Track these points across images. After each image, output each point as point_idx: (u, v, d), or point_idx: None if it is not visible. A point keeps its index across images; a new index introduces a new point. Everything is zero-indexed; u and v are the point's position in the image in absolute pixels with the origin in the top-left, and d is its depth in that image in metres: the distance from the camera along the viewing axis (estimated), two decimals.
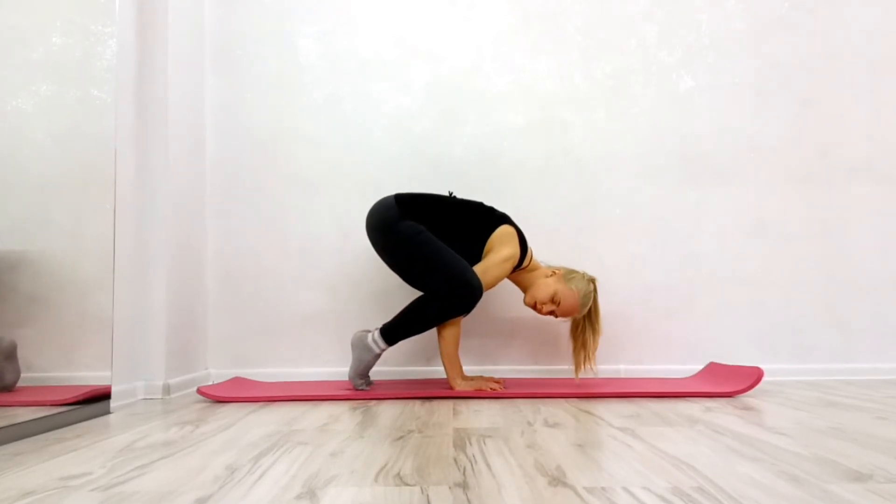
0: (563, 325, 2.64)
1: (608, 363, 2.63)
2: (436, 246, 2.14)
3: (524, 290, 2.34)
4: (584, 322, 2.28)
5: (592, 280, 2.28)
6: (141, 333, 2.21)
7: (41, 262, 1.66)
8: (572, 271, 2.28)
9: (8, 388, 1.54)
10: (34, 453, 1.32)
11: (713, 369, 2.42)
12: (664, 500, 0.93)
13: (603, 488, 1.00)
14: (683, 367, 2.61)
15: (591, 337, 2.27)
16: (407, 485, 1.04)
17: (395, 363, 2.62)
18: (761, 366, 2.49)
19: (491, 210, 2.29)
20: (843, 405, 1.85)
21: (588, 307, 2.24)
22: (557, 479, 1.06)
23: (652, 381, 2.42)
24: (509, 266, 2.19)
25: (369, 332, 2.18)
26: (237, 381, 2.37)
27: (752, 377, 2.10)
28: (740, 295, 2.65)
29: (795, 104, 2.70)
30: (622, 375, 2.61)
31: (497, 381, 2.20)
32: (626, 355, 2.63)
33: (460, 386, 2.14)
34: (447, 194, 2.34)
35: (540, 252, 2.64)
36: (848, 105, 2.69)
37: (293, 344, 2.63)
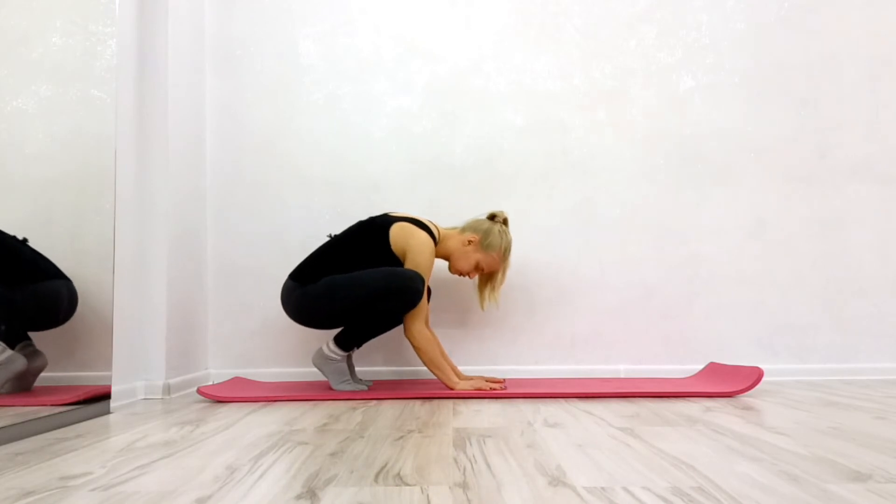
0: (564, 326, 2.64)
1: (608, 363, 2.63)
2: (351, 277, 2.12)
3: (446, 259, 2.35)
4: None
5: (504, 224, 2.30)
6: (141, 333, 2.21)
7: None
8: (487, 231, 2.26)
9: (6, 393, 1.54)
10: (34, 453, 1.32)
11: (713, 369, 2.42)
12: (664, 500, 0.93)
13: (603, 488, 1.00)
14: (683, 367, 2.61)
15: (501, 273, 2.32)
16: (407, 485, 1.04)
17: (395, 363, 2.63)
18: (761, 366, 2.50)
19: (370, 221, 2.25)
20: (843, 405, 1.85)
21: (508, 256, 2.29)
22: (557, 479, 1.06)
23: (652, 381, 2.42)
24: (431, 249, 2.18)
25: (322, 345, 2.21)
26: (237, 381, 2.37)
27: (752, 377, 2.10)
28: (740, 295, 2.65)
29: (795, 104, 2.70)
30: (622, 375, 2.61)
31: (497, 381, 2.20)
32: (625, 355, 2.64)
33: (460, 385, 2.14)
34: (328, 238, 2.30)
35: (541, 252, 2.65)
36: (848, 105, 2.69)
37: (293, 344, 2.63)
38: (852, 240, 2.66)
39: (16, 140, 1.58)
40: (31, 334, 1.61)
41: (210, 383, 2.50)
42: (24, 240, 1.58)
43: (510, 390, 2.13)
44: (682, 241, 2.67)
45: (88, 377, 1.83)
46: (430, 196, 2.65)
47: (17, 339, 1.56)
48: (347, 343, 2.17)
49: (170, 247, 2.28)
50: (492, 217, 2.32)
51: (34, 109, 1.64)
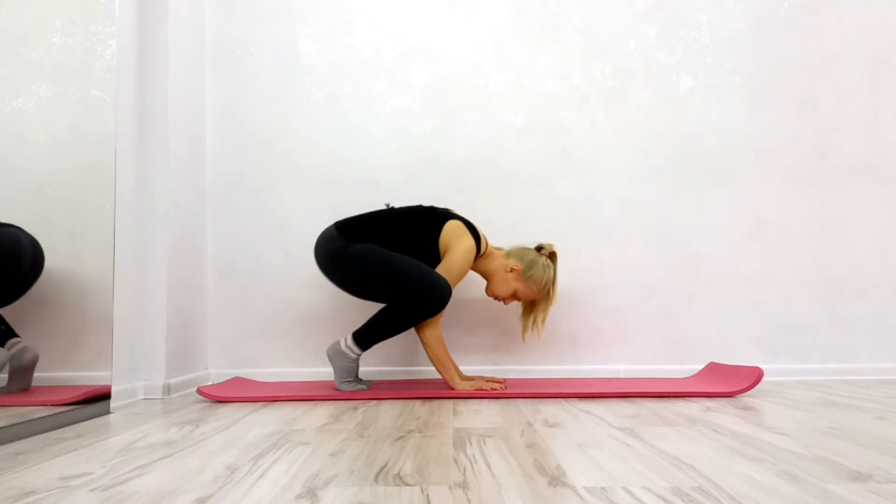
0: (564, 326, 2.65)
1: (608, 363, 2.63)
2: (391, 259, 2.13)
3: (485, 277, 2.34)
4: (545, 295, 2.30)
5: (550, 258, 2.29)
6: (141, 333, 2.21)
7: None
8: (531, 263, 2.25)
9: (6, 392, 1.54)
10: (34, 453, 1.32)
11: (713, 369, 2.42)
12: (664, 500, 0.93)
13: (603, 488, 1.00)
14: (683, 367, 2.61)
15: (545, 304, 2.30)
16: (407, 485, 1.04)
17: (395, 363, 2.63)
18: (761, 366, 2.50)
19: (432, 209, 2.27)
20: (843, 405, 1.85)
21: (548, 290, 2.27)
22: (557, 479, 1.06)
23: (652, 381, 2.42)
24: (471, 258, 2.18)
25: (341, 339, 2.20)
26: (237, 381, 2.37)
27: (752, 377, 2.10)
28: (740, 295, 2.65)
29: (795, 104, 2.70)
30: (622, 375, 2.61)
31: (498, 381, 2.20)
32: (625, 355, 2.64)
33: (460, 386, 2.14)
34: (385, 206, 2.32)
35: None
36: (848, 105, 2.70)
37: (293, 344, 2.63)
38: (852, 240, 2.66)
39: (16, 140, 1.57)
40: (27, 335, 1.61)
41: (210, 383, 2.50)
42: None
43: (510, 390, 2.13)
44: (682, 241, 2.67)
45: (88, 377, 1.83)
46: (430, 196, 2.64)
47: (5, 338, 1.54)
48: (366, 341, 2.16)
49: (170, 247, 2.28)
50: (539, 248, 2.31)
51: (34, 109, 1.64)
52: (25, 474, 1.14)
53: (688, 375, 2.58)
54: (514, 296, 2.29)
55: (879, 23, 2.71)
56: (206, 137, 2.67)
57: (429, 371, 2.61)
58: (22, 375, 1.59)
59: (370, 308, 2.63)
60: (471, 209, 2.59)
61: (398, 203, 2.62)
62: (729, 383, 2.16)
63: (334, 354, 2.20)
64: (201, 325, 2.57)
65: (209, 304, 2.64)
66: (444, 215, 2.24)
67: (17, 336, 1.57)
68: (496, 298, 2.33)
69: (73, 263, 1.77)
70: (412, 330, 2.33)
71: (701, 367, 2.58)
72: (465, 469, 1.14)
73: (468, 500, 0.96)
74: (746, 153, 2.69)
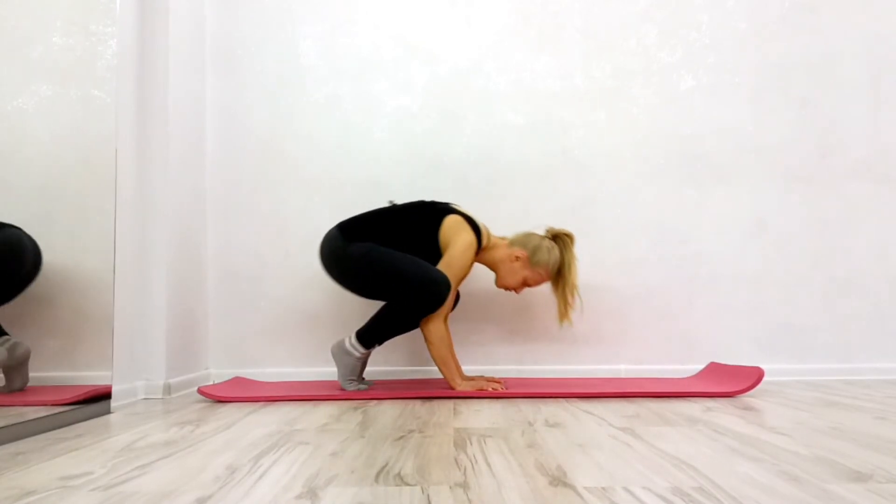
0: (564, 326, 2.64)
1: (608, 363, 2.63)
2: (390, 256, 2.13)
3: (492, 269, 2.34)
4: (559, 279, 2.28)
5: (555, 240, 2.27)
6: (141, 333, 2.21)
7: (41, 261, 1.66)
8: (535, 248, 2.24)
9: (12, 392, 1.54)
10: (35, 453, 1.32)
11: (713, 369, 2.42)
12: (664, 500, 0.93)
13: (603, 488, 1.00)
14: (683, 367, 2.61)
15: (562, 288, 2.27)
16: (407, 485, 1.04)
17: (395, 363, 2.63)
18: (761, 366, 2.50)
19: (432, 204, 2.27)
20: (843, 405, 1.85)
21: (558, 270, 2.25)
22: (557, 479, 1.06)
23: (652, 381, 2.42)
24: (471, 253, 2.18)
25: (345, 338, 2.20)
26: (237, 381, 2.37)
27: (752, 377, 2.10)
28: (740, 295, 2.65)
29: (795, 104, 2.70)
30: (622, 375, 2.61)
31: (498, 381, 2.20)
32: (626, 355, 2.64)
33: (461, 386, 2.14)
34: (388, 203, 2.32)
35: None
36: (848, 105, 2.69)
37: (293, 344, 2.63)
38: (852, 240, 2.66)
39: (16, 140, 1.57)
40: (27, 334, 1.61)
41: (210, 383, 2.50)
42: None
43: (510, 390, 2.13)
44: (683, 241, 2.67)
45: (88, 377, 1.83)
46: (430, 195, 2.64)
47: None
48: (369, 340, 2.16)
49: (170, 247, 2.28)
50: (550, 234, 2.30)
51: (34, 109, 1.64)
52: (25, 474, 1.14)
53: (688, 375, 2.58)
54: (525, 283, 2.28)
55: (879, 23, 2.71)
56: (206, 137, 2.67)
57: (429, 371, 2.61)
58: (19, 371, 1.58)
59: (370, 307, 2.63)
60: (471, 209, 2.59)
61: (403, 200, 2.62)
62: (729, 383, 2.16)
63: (338, 352, 2.20)
64: (201, 325, 2.57)
65: (209, 303, 2.64)
66: (443, 210, 2.23)
67: (6, 334, 1.57)
68: (507, 289, 2.32)
69: (74, 263, 1.77)
70: (414, 329, 2.32)
71: (701, 367, 2.58)
72: (465, 469, 1.14)
73: (468, 500, 0.96)
74: (747, 153, 2.69)
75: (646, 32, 2.72)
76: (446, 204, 2.29)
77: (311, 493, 1.00)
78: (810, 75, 2.70)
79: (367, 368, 2.59)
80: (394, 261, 2.12)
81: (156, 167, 2.26)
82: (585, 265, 2.66)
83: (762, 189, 2.68)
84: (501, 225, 2.64)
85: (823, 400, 1.97)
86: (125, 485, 1.06)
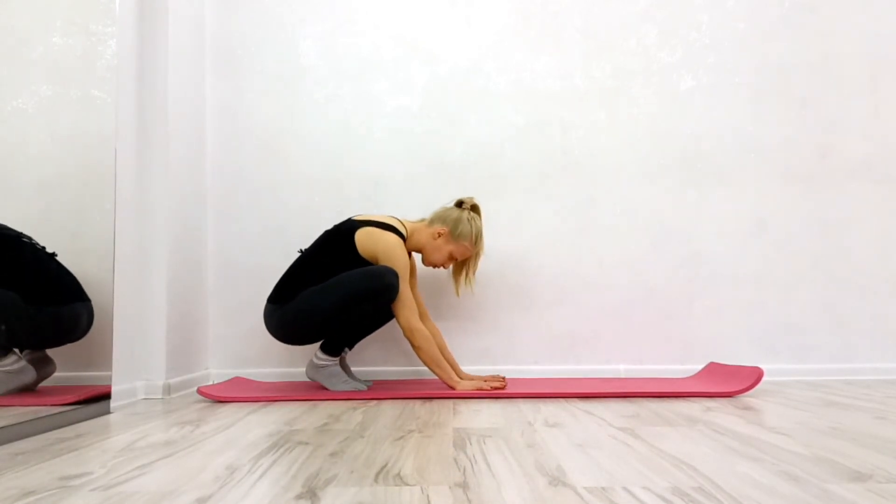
0: (564, 326, 2.64)
1: (608, 363, 2.63)
2: (325, 286, 2.11)
3: (419, 252, 2.34)
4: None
5: (472, 211, 2.29)
6: (141, 333, 2.21)
7: None
8: (456, 221, 2.24)
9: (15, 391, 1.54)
10: (34, 453, 1.32)
11: (713, 369, 2.42)
12: (664, 500, 0.93)
13: (603, 488, 1.00)
14: (683, 367, 2.61)
15: (474, 258, 2.31)
16: (407, 485, 1.04)
17: (395, 363, 2.63)
18: (761, 366, 2.50)
19: (336, 230, 2.24)
20: (843, 405, 1.85)
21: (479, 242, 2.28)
22: (557, 479, 1.06)
23: (652, 381, 2.42)
24: (401, 247, 2.18)
25: (312, 356, 2.21)
26: (237, 381, 2.37)
27: (752, 377, 2.10)
28: (740, 295, 2.65)
29: (795, 104, 2.70)
30: (622, 375, 2.61)
31: (499, 380, 2.20)
32: (626, 355, 2.63)
33: (460, 385, 2.14)
34: (298, 253, 2.32)
35: (541, 252, 2.65)
36: (848, 105, 2.69)
37: None
38: (852, 240, 2.66)
39: (16, 140, 1.57)
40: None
41: (210, 383, 2.50)
42: (54, 254, 1.59)
43: (510, 390, 2.13)
44: (683, 241, 2.67)
45: (88, 377, 1.83)
46: (430, 195, 2.64)
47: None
48: (334, 348, 2.18)
49: (170, 247, 2.28)
50: (458, 204, 2.31)
51: (34, 109, 1.64)
52: (25, 474, 1.14)
53: (688, 375, 2.58)
54: (451, 257, 2.29)
55: (879, 23, 2.71)
56: (206, 137, 2.67)
57: (429, 371, 2.60)
58: (34, 384, 1.60)
59: None
60: None
61: (403, 200, 2.62)
62: (729, 383, 2.16)
63: (313, 372, 2.21)
64: (201, 325, 2.57)
65: (209, 304, 2.64)
66: (349, 229, 2.20)
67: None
68: (434, 266, 2.33)
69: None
70: (379, 327, 2.35)
71: (701, 367, 2.58)
72: (465, 469, 1.14)
73: (468, 500, 0.96)
74: (747, 153, 2.69)
75: (646, 32, 2.72)
76: (348, 220, 2.25)
77: (311, 493, 1.00)
78: (810, 75, 2.70)
79: (368, 368, 2.59)
80: (329, 283, 2.12)
81: (156, 167, 2.26)
82: (585, 265, 2.66)
83: (762, 189, 2.68)
84: (502, 225, 2.64)
85: (823, 400, 1.97)
86: (125, 485, 1.06)
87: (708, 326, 2.64)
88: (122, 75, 2.12)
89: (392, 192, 2.65)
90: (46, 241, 1.66)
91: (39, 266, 1.57)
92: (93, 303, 1.82)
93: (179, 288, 2.36)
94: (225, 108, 2.69)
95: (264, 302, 2.63)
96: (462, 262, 2.34)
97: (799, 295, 2.65)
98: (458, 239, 2.25)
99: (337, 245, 2.20)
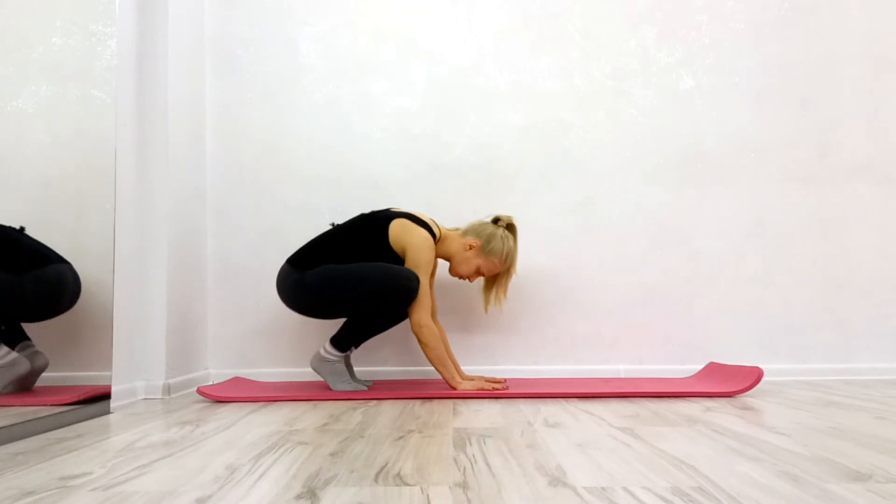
0: (564, 326, 2.64)
1: (608, 363, 2.63)
2: (346, 268, 2.12)
3: (447, 260, 2.34)
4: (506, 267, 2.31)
5: (508, 230, 2.29)
6: (141, 333, 2.21)
7: None
8: (490, 236, 2.25)
9: (7, 393, 1.54)
10: (34, 453, 1.32)
11: (713, 369, 2.42)
12: (664, 500, 0.93)
13: (603, 488, 1.00)
14: (683, 367, 2.61)
15: (506, 277, 2.32)
16: (407, 485, 1.04)
17: (395, 363, 2.63)
18: (761, 366, 2.50)
19: (373, 215, 2.26)
20: (843, 405, 1.85)
21: (510, 261, 2.28)
22: (557, 479, 1.06)
23: (652, 381, 2.42)
24: (430, 246, 2.18)
25: (320, 347, 2.21)
26: (237, 381, 2.37)
27: (752, 377, 2.10)
28: (740, 295, 2.65)
29: (795, 104, 2.70)
30: (622, 375, 2.61)
31: (499, 381, 2.20)
32: (625, 355, 2.64)
33: (462, 386, 2.14)
34: (330, 226, 2.31)
35: (541, 252, 2.65)
36: (848, 105, 2.69)
37: (293, 344, 2.63)
38: (852, 240, 2.66)
39: (16, 140, 1.57)
40: (31, 333, 1.61)
41: (210, 383, 2.50)
42: (22, 228, 1.57)
43: (510, 390, 2.13)
44: (682, 241, 2.67)
45: (88, 377, 1.83)
46: (429, 196, 2.65)
47: (16, 340, 1.55)
48: (344, 344, 2.17)
49: (170, 247, 2.28)
50: (495, 221, 2.31)
51: (34, 109, 1.64)
52: (25, 474, 1.14)
53: (688, 375, 2.58)
54: (478, 272, 2.29)
55: (879, 23, 2.71)
56: (206, 137, 2.67)
57: (429, 371, 2.60)
58: (29, 380, 1.59)
59: None
60: (471, 209, 2.59)
61: (402, 201, 2.62)
62: (729, 383, 2.16)
63: (318, 364, 2.20)
64: (201, 325, 2.57)
65: (209, 304, 2.64)
66: (386, 218, 2.22)
67: (27, 339, 1.59)
68: (460, 277, 2.32)
69: (74, 263, 1.77)
70: (390, 328, 2.33)
71: (701, 367, 2.58)
72: (465, 469, 1.14)
73: (468, 500, 0.96)
74: (746, 153, 2.69)
75: (645, 33, 2.72)
76: (387, 210, 2.28)
77: (311, 493, 1.00)
78: (810, 75, 2.70)
79: (368, 368, 2.59)
80: (353, 270, 2.12)
81: (156, 167, 2.26)
82: (585, 265, 2.66)
83: (762, 189, 2.68)
84: None
85: (823, 400, 1.97)
86: (125, 485, 1.06)
87: (707, 326, 2.64)
88: (121, 75, 2.12)
89: (391, 192, 2.65)
90: (47, 240, 1.66)
91: (9, 237, 1.55)
92: (92, 304, 1.82)
93: (179, 288, 2.36)
94: (225, 107, 2.69)
95: (264, 302, 2.63)
96: (493, 280, 2.34)
97: (799, 295, 2.65)
98: (489, 254, 2.25)
99: (370, 230, 2.21)
